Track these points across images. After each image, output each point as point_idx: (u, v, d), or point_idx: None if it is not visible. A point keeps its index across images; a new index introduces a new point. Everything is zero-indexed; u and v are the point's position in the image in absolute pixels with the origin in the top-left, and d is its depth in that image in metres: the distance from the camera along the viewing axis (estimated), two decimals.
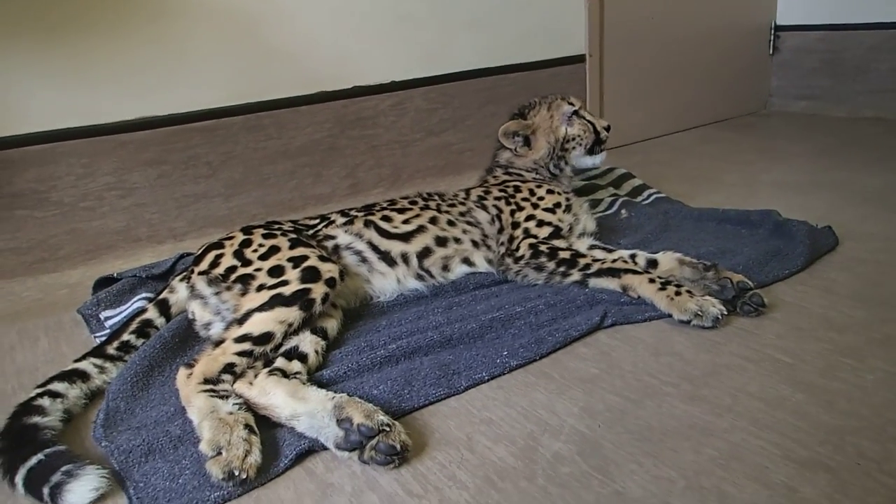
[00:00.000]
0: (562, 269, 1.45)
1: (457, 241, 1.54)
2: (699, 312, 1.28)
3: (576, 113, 1.78)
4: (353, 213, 1.57)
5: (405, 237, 1.50)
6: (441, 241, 1.52)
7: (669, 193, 2.09)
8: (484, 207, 1.63)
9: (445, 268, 1.52)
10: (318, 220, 1.56)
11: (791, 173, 2.29)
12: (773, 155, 2.55)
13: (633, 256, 1.54)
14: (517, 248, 1.50)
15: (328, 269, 1.28)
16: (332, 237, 1.48)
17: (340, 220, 1.54)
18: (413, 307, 1.44)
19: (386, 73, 2.24)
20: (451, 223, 1.56)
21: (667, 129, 3.01)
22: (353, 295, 1.45)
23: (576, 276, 1.43)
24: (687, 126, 3.08)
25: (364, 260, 1.47)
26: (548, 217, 1.58)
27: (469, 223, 1.59)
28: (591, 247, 1.60)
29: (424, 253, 1.50)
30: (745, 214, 1.77)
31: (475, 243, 1.56)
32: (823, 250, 1.59)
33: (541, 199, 1.63)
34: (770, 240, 1.63)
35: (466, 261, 1.54)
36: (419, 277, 1.49)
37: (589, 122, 1.79)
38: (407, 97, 2.29)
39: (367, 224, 1.51)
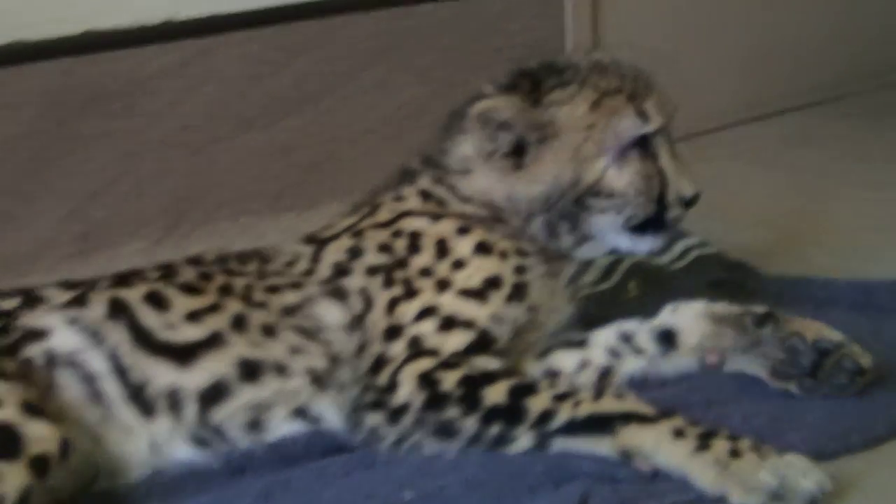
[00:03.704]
0: (495, 428, 1.44)
1: (279, 370, 1.53)
2: (780, 490, 1.31)
3: (646, 140, 1.69)
4: (83, 287, 1.57)
5: (185, 355, 1.50)
6: (249, 371, 1.51)
7: (727, 246, 2.14)
8: (339, 293, 1.62)
9: (255, 425, 1.51)
10: (18, 299, 1.55)
11: None
12: None
13: (626, 338, 1.60)
14: (390, 386, 1.49)
15: (40, 436, 1.29)
16: (42, 333, 1.48)
17: (60, 297, 1.54)
18: (189, 498, 1.42)
19: (154, 3, 2.25)
20: (268, 330, 1.55)
21: (726, 118, 3.13)
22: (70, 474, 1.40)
23: (525, 438, 1.44)
24: (765, 112, 3.20)
25: (98, 395, 1.46)
26: (466, 308, 1.57)
27: (304, 332, 1.58)
28: (546, 350, 1.64)
29: (214, 394, 1.49)
30: (868, 290, 1.85)
31: (316, 378, 1.55)
32: None
33: (458, 264, 1.62)
34: None
35: (300, 412, 1.53)
36: (200, 442, 1.48)
37: (661, 170, 1.73)
38: (202, 51, 2.31)
39: (117, 311, 1.51)
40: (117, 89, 2.21)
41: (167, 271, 1.63)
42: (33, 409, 1.33)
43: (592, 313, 1.82)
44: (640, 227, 1.71)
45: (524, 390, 1.46)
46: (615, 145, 1.64)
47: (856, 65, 3.42)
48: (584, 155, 1.65)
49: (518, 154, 1.66)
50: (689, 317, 1.56)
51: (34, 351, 1.46)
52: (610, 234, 1.73)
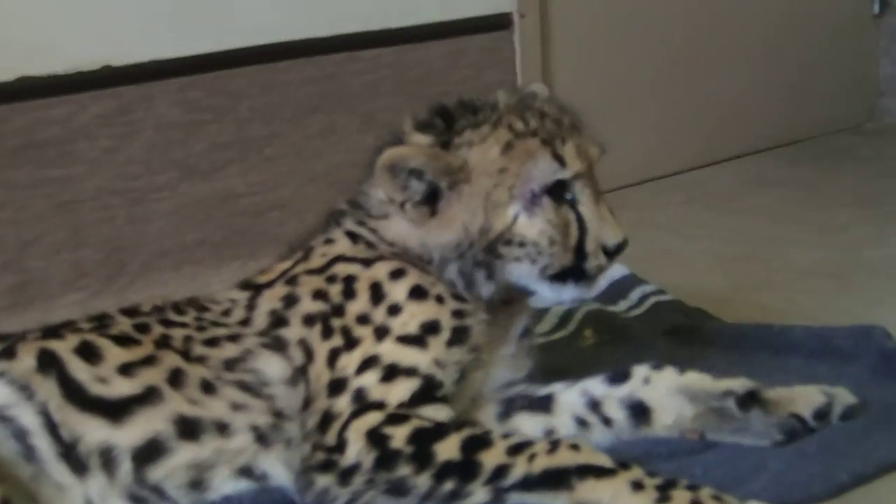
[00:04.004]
0: (449, 485, 1.42)
1: (220, 428, 1.50)
2: None
3: (563, 185, 1.66)
4: (12, 339, 1.53)
5: (117, 411, 1.47)
6: (187, 429, 1.49)
7: (682, 294, 2.15)
8: (278, 344, 1.60)
9: (197, 484, 1.48)
10: None
11: None
12: (885, 212, 2.69)
13: (593, 405, 1.59)
14: (338, 446, 1.47)
15: None
16: None
17: None
18: None
19: (92, 49, 2.24)
20: (206, 386, 1.53)
21: (681, 163, 3.14)
22: None
23: (480, 494, 1.42)
24: (720, 157, 3.22)
25: (30, 452, 1.43)
26: (407, 355, 1.55)
27: (245, 387, 1.55)
28: (506, 403, 1.63)
29: (150, 452, 1.46)
30: (826, 337, 1.85)
31: (261, 435, 1.53)
32: None
33: (394, 309, 1.60)
34: (870, 386, 1.69)
35: (245, 471, 1.51)
36: (137, 500, 1.45)
37: (580, 217, 1.64)
38: (139, 98, 2.30)
39: (47, 364, 1.48)
40: (53, 136, 2.20)
41: (101, 322, 1.60)
42: None
43: (549, 362, 1.80)
44: (560, 277, 1.63)
45: (477, 444, 1.44)
46: (527, 191, 1.58)
47: (811, 109, 3.46)
48: (495, 201, 1.58)
49: (432, 200, 1.61)
50: (661, 392, 1.53)
51: None
52: (530, 284, 1.66)
